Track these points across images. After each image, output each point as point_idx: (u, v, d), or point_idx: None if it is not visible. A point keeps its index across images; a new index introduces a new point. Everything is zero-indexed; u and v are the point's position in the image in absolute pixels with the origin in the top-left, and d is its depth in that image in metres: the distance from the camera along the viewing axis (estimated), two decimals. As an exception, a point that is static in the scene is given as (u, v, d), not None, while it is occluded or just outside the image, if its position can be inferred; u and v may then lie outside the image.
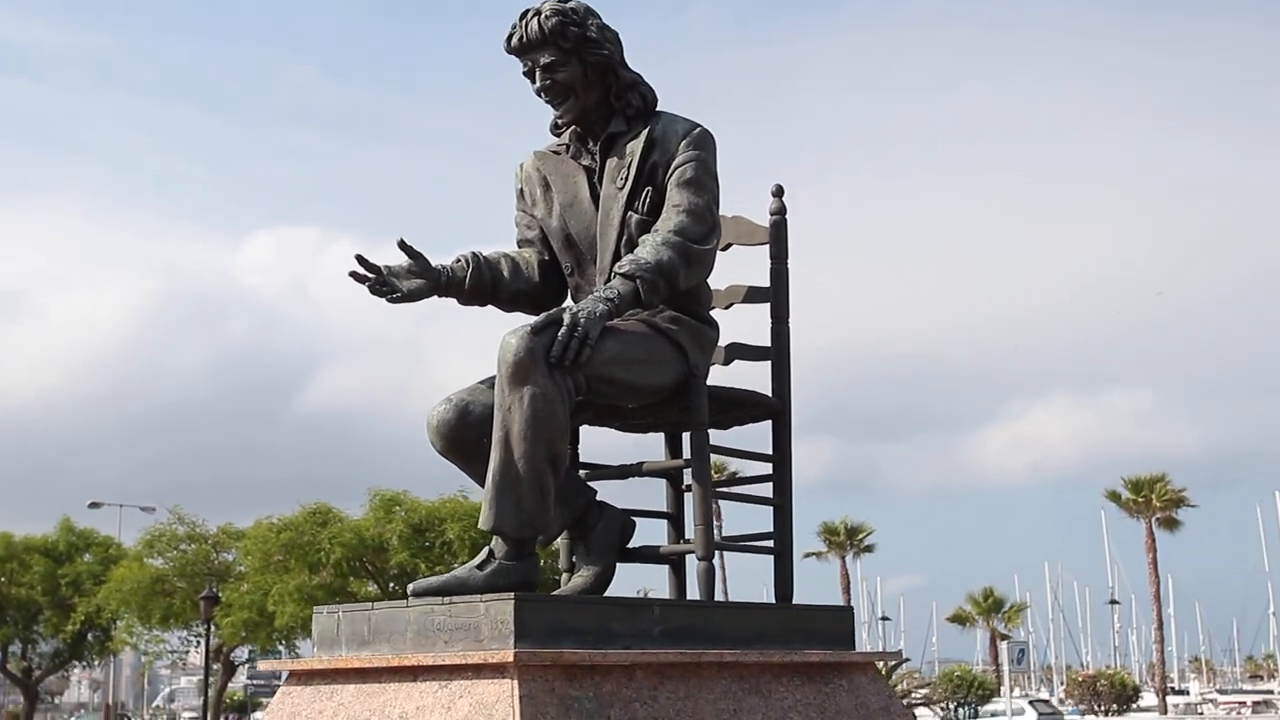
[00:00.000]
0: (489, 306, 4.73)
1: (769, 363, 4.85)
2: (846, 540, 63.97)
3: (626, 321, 4.38)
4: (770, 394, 4.78)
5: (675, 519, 4.97)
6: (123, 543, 43.19)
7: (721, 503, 5.33)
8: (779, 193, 4.95)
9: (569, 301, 4.75)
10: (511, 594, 3.77)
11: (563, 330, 4.08)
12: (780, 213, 4.93)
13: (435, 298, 4.61)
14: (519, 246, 4.79)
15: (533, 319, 4.73)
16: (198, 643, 39.17)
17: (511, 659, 3.60)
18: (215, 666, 38.29)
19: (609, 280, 4.49)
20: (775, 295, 4.88)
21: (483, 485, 4.41)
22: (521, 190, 4.79)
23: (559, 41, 4.49)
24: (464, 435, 4.33)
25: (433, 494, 34.36)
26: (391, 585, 34.26)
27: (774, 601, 4.65)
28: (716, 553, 4.43)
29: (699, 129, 4.55)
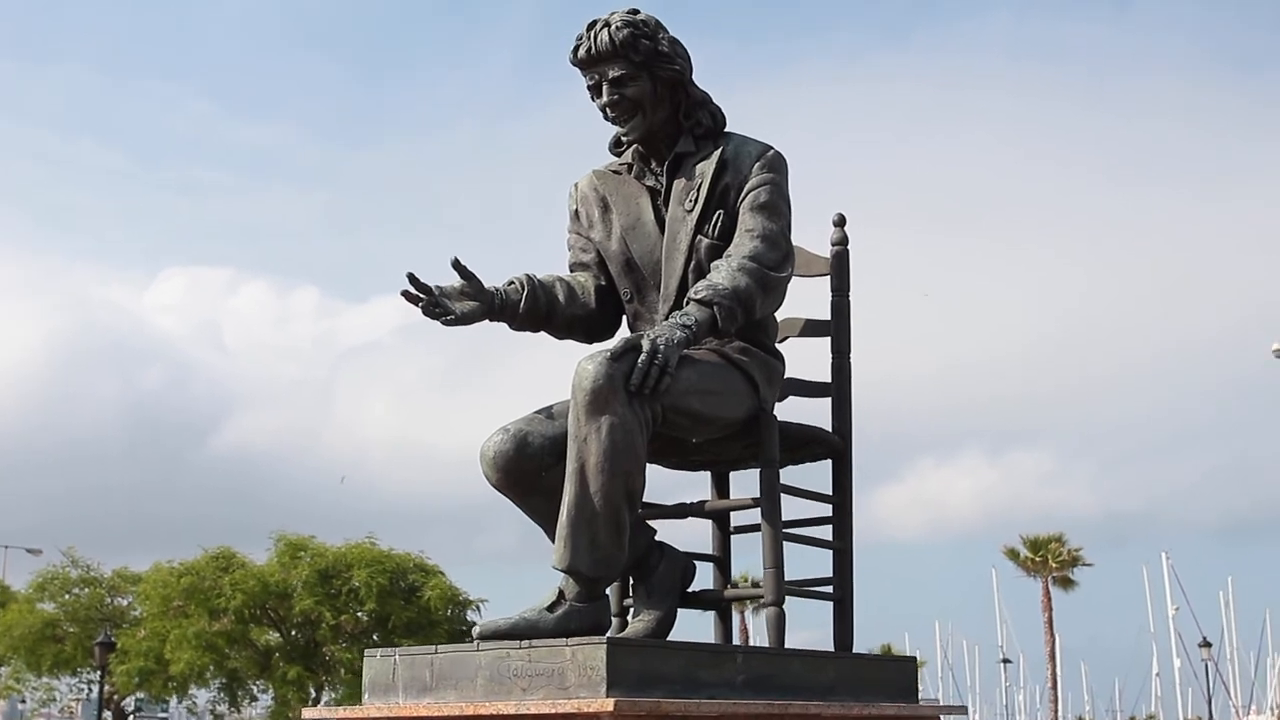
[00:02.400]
0: (541, 333, 4.46)
1: (828, 399, 4.62)
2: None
3: (699, 351, 4.14)
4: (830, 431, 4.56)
5: (721, 561, 4.71)
6: (10, 585, 41.82)
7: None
8: (841, 222, 4.75)
9: (624, 328, 4.50)
10: (603, 638, 3.48)
11: (642, 357, 3.83)
12: (842, 243, 4.73)
13: (487, 321, 4.34)
14: (572, 270, 4.54)
15: (588, 346, 4.50)
16: (88, 691, 37.96)
17: (611, 708, 3.32)
18: (105, 715, 37.09)
19: (674, 306, 4.26)
20: (836, 328, 4.67)
21: (537, 521, 4.16)
22: (577, 211, 4.54)
23: (630, 54, 4.26)
24: (522, 468, 4.05)
25: (339, 539, 33.74)
26: (294, 633, 33.51)
27: (832, 650, 4.40)
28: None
29: (773, 151, 4.33)
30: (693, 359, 4.04)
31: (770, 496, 4.20)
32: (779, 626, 4.13)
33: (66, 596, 36.61)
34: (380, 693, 3.82)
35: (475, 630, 3.80)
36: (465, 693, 3.65)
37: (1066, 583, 58.67)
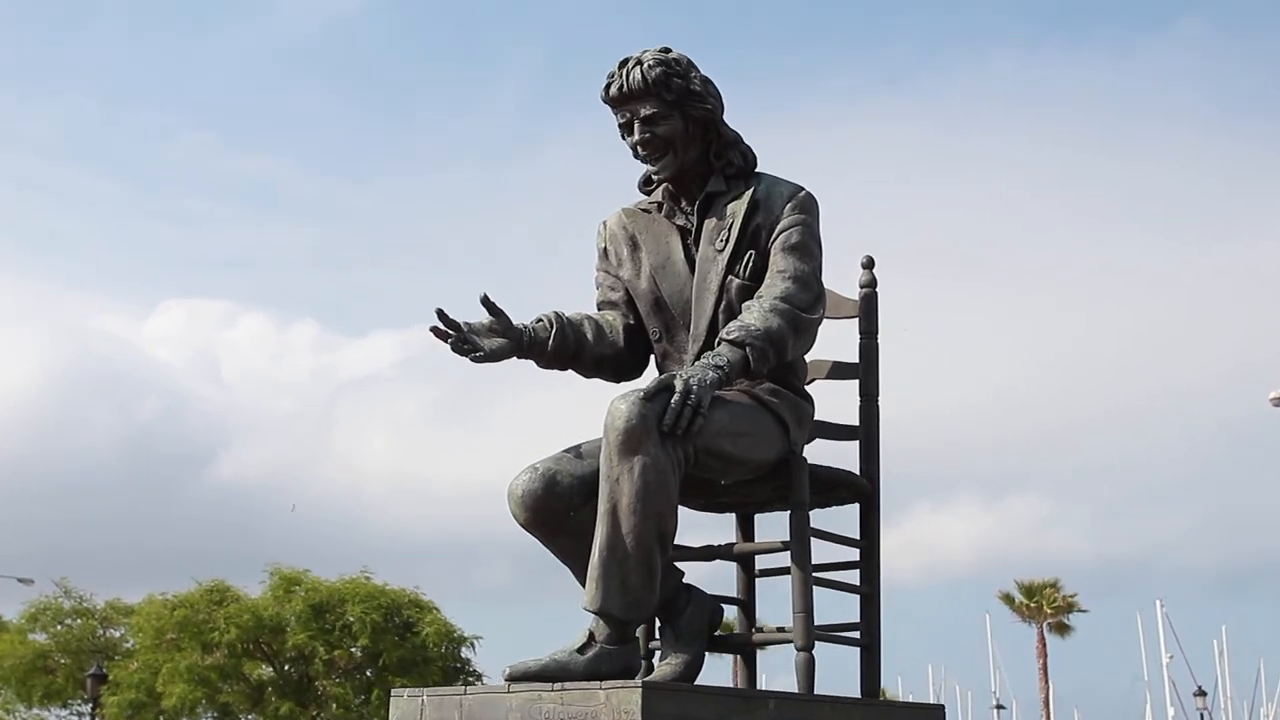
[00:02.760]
0: (569, 371, 4.43)
1: (851, 442, 4.59)
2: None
3: (730, 392, 4.11)
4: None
5: (746, 605, 4.67)
6: (1, 615, 41.63)
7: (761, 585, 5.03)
8: (869, 264, 4.72)
9: (652, 368, 4.48)
10: (637, 682, 3.44)
11: (675, 397, 3.80)
12: (871, 285, 4.70)
13: (515, 358, 4.31)
14: (600, 308, 4.51)
15: (619, 386, 4.47)
16: (79, 723, 37.73)
17: (647, 753, 3.27)
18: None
19: (704, 346, 4.24)
20: (865, 371, 4.64)
21: (565, 561, 4.13)
22: (605, 249, 4.51)
23: (662, 93, 4.24)
24: (551, 507, 4.02)
25: (334, 574, 33.58)
26: (287, 668, 33.31)
27: (859, 696, 4.36)
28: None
29: (804, 192, 4.31)
30: (724, 400, 4.02)
31: (800, 540, 4.16)
32: (809, 672, 4.08)
33: (58, 627, 36.44)
34: (407, 734, 3.77)
35: (505, 672, 3.76)
36: (495, 735, 3.60)
37: (1062, 628, 58.51)
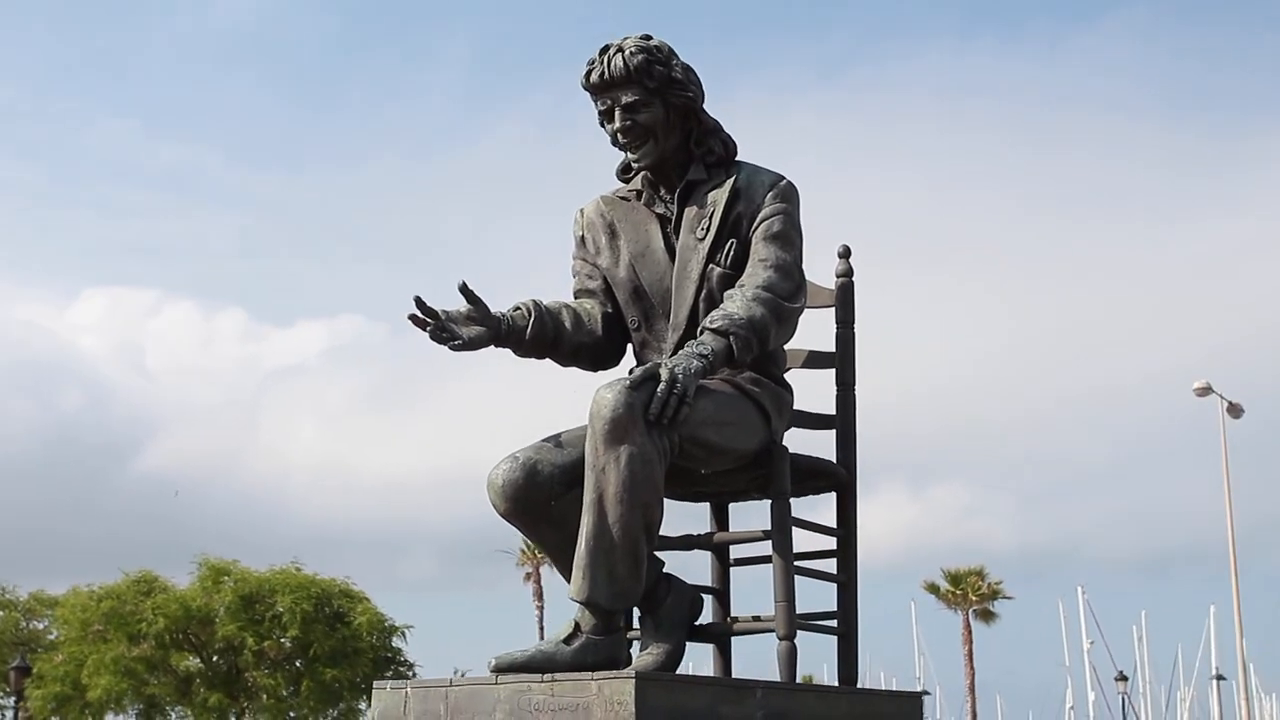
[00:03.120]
0: (546, 360, 4.39)
1: (821, 430, 4.59)
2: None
3: (713, 381, 4.08)
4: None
5: (721, 594, 4.65)
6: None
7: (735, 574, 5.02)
8: (845, 254, 4.72)
9: (630, 357, 4.45)
10: (631, 672, 3.42)
11: (661, 386, 3.78)
12: (847, 275, 4.70)
13: (492, 347, 4.26)
14: (576, 297, 4.47)
15: (596, 376, 4.44)
16: (2, 717, 37.15)
17: (643, 744, 3.25)
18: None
19: (684, 335, 4.22)
20: (841, 361, 4.64)
21: (545, 551, 4.10)
22: (583, 237, 4.48)
23: (644, 80, 4.21)
24: (531, 497, 3.98)
25: (263, 564, 33.33)
26: (215, 659, 33.01)
27: (837, 684, 4.36)
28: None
29: (785, 181, 4.30)
30: (708, 389, 4.00)
31: (782, 529, 4.16)
32: (791, 661, 4.07)
33: (-21, 620, 35.87)
34: (391, 726, 3.72)
35: (490, 663, 3.72)
36: (483, 727, 3.56)
37: (987, 615, 59.12)
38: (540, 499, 3.99)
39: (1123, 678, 59.16)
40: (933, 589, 59.42)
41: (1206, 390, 36.83)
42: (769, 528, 4.29)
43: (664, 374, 3.80)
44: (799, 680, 4.08)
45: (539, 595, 59.84)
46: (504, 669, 3.68)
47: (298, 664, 32.82)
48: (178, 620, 31.79)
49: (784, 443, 4.29)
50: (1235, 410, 37.51)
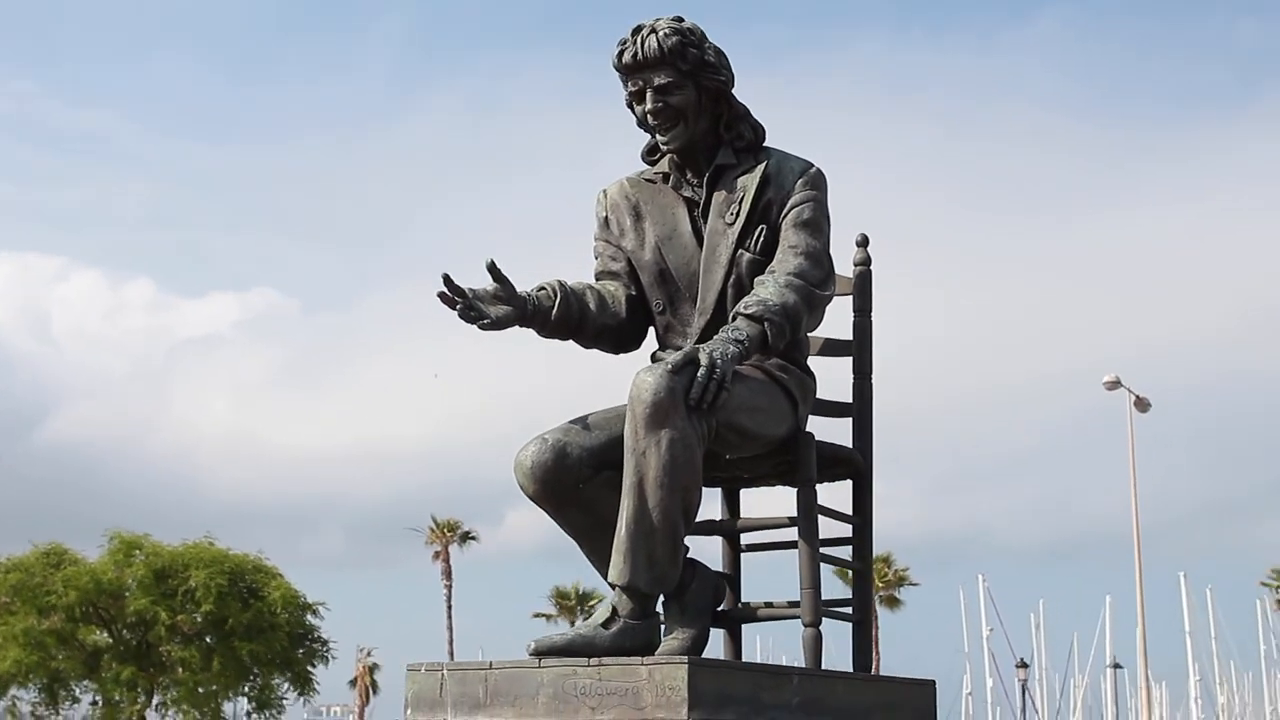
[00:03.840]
0: (569, 341, 4.36)
1: (834, 418, 4.61)
2: (578, 605, 63.82)
3: (744, 367, 4.08)
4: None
5: (732, 580, 4.65)
6: None
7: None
8: (864, 242, 4.73)
9: (650, 340, 4.44)
10: (683, 658, 3.42)
11: (701, 371, 3.77)
12: (865, 263, 4.71)
13: (517, 327, 4.23)
14: (598, 278, 4.44)
15: (616, 356, 4.42)
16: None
17: (698, 730, 3.25)
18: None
19: (711, 320, 4.20)
20: (859, 349, 4.65)
21: (572, 534, 4.09)
22: (606, 218, 4.44)
23: (677, 63, 4.19)
24: (561, 479, 3.96)
25: (176, 538, 32.91)
26: (125, 633, 32.55)
27: (851, 670, 4.38)
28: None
29: (815, 168, 4.30)
30: (741, 375, 3.99)
31: (808, 516, 4.17)
32: (816, 648, 4.09)
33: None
34: (426, 709, 3.69)
35: (530, 647, 3.70)
36: (525, 711, 3.55)
37: (893, 602, 59.91)
38: (569, 482, 3.97)
39: (1023, 665, 60.04)
40: (842, 574, 60.06)
41: (1115, 384, 37.46)
42: (791, 514, 4.31)
43: (703, 359, 3.79)
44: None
45: (447, 574, 59.78)
46: (544, 652, 3.65)
47: (207, 639, 32.43)
48: (88, 594, 31.31)
49: (808, 429, 4.30)
50: (1143, 404, 38.17)
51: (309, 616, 32.89)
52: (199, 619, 31.62)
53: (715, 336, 3.98)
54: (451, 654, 57.70)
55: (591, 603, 64.34)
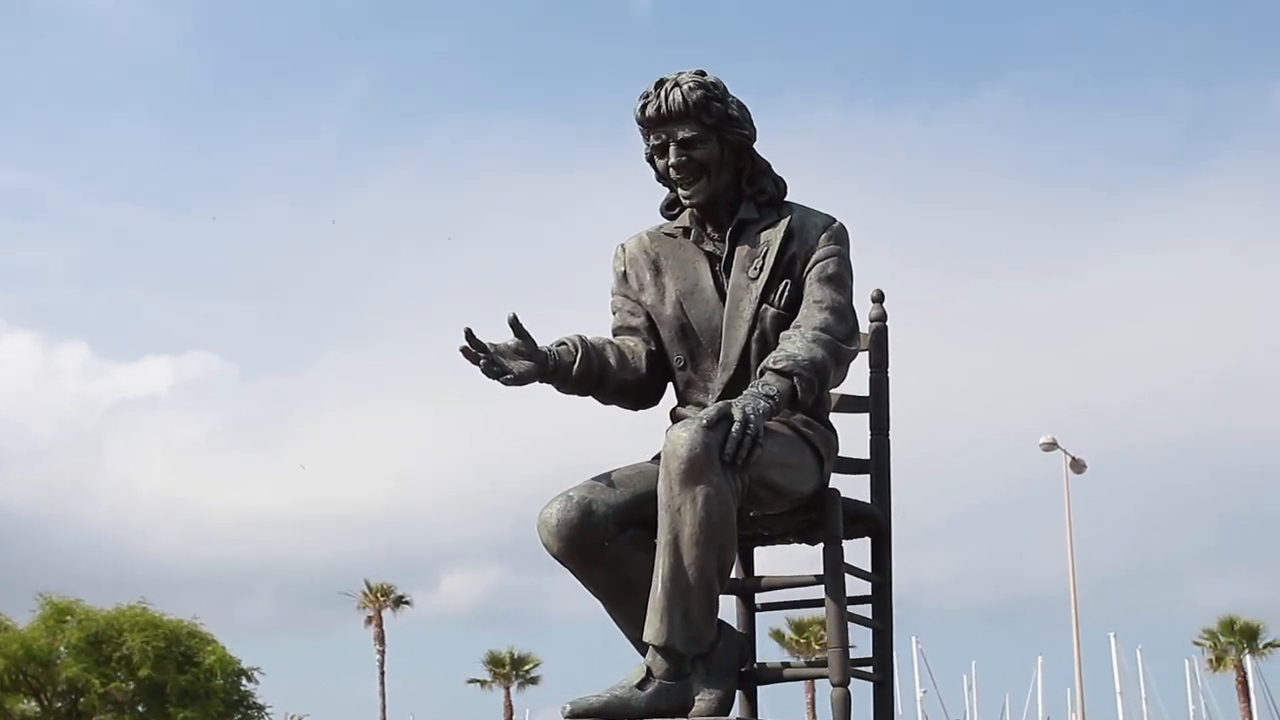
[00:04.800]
0: (588, 398, 4.30)
1: (864, 476, 4.57)
2: (512, 670, 63.20)
3: (772, 422, 4.03)
4: (869, 509, 4.49)
5: (746, 639, 4.58)
6: None
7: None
8: (879, 298, 4.71)
9: (669, 396, 4.39)
10: (727, 719, 3.34)
11: (735, 426, 3.73)
12: (881, 319, 4.69)
13: (538, 382, 4.16)
14: (616, 334, 4.39)
15: (631, 413, 4.36)
16: None
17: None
18: None
19: (734, 376, 4.16)
20: (875, 405, 4.62)
21: (596, 594, 4.04)
22: (625, 273, 4.40)
23: (701, 116, 4.16)
24: (587, 537, 3.90)
25: (110, 603, 32.29)
26: (55, 702, 31.85)
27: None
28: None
29: (837, 223, 4.28)
30: (771, 431, 3.95)
31: (835, 574, 4.12)
32: (845, 708, 4.03)
33: None
34: (458, 773, 3.58)
35: (565, 709, 3.62)
36: (565, 775, 3.45)
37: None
38: (595, 540, 3.91)
39: (955, 725, 60.16)
40: (778, 636, 59.95)
41: (1052, 445, 37.78)
42: (801, 572, 4.26)
43: (736, 414, 3.75)
44: None
45: (380, 640, 59.07)
46: (582, 714, 3.57)
47: (139, 708, 31.83)
48: (17, 661, 30.63)
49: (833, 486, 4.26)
50: (1078, 466, 38.51)
51: (244, 682, 32.39)
52: (132, 686, 31.04)
53: (745, 391, 3.94)
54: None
55: (526, 667, 63.83)
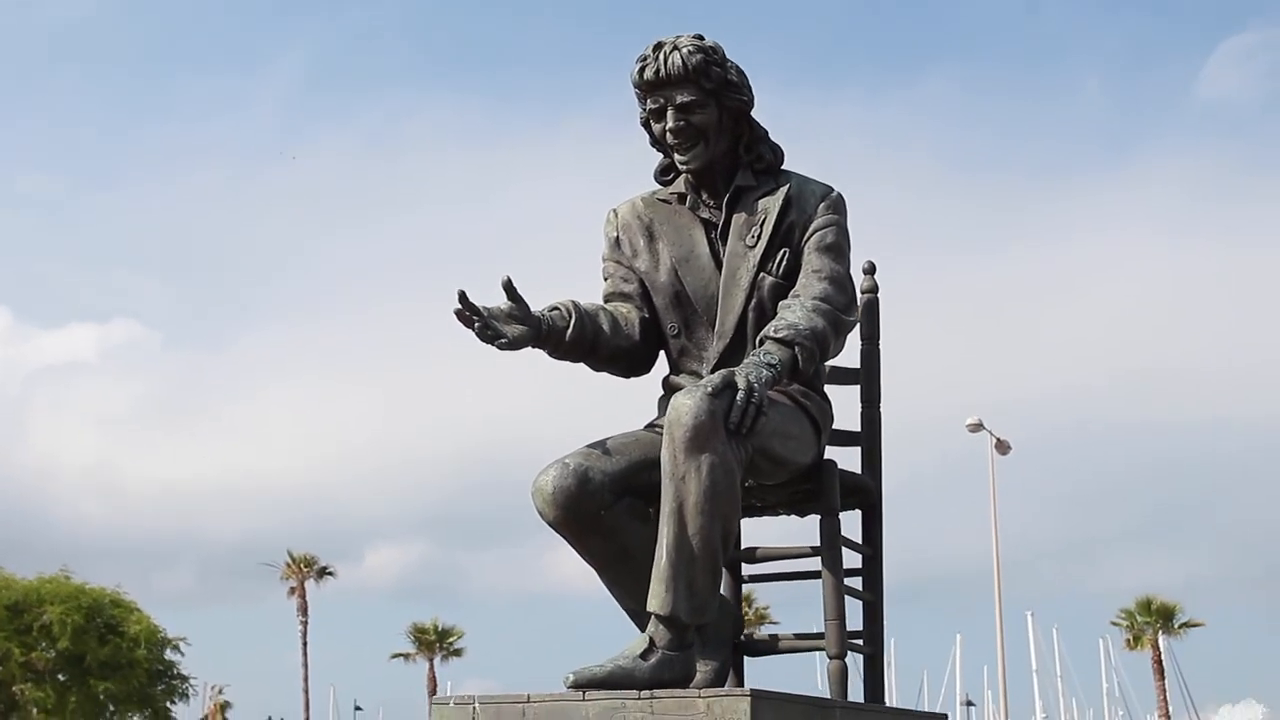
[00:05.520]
0: (580, 364, 4.23)
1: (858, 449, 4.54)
2: (437, 641, 62.97)
3: (772, 392, 3.98)
4: (859, 482, 4.46)
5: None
6: None
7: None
8: (871, 270, 4.67)
9: (661, 363, 4.32)
10: (746, 690, 3.30)
11: (740, 395, 3.67)
12: (873, 290, 4.65)
13: (531, 347, 4.08)
14: (608, 300, 4.31)
15: (624, 380, 4.30)
16: None
17: (769, 765, 3.13)
18: None
19: (730, 344, 4.11)
20: (866, 378, 4.59)
21: (592, 562, 3.97)
22: (618, 239, 4.32)
23: (701, 80, 4.09)
24: (583, 506, 3.83)
25: (31, 572, 31.78)
26: (-25, 672, 31.33)
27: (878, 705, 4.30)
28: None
29: (836, 192, 4.23)
30: (771, 400, 3.89)
31: (832, 546, 4.08)
32: (842, 680, 4.00)
33: None
34: (457, 744, 3.52)
35: (568, 680, 3.54)
36: (570, 746, 3.39)
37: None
38: (592, 508, 3.84)
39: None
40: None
41: (978, 427, 38.16)
42: (787, 543, 4.23)
43: (741, 383, 3.69)
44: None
45: (303, 610, 58.64)
46: (586, 685, 3.50)
47: (60, 677, 31.37)
48: (-65, 629, 30.10)
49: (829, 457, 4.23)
50: (1003, 447, 38.95)
51: (169, 653, 32.02)
52: (52, 655, 30.57)
53: (747, 360, 3.88)
54: (306, 690, 56.64)
55: (450, 640, 63.60)
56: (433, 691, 63.36)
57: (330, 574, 59.87)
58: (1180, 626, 53.06)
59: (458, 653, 64.53)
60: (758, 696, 3.28)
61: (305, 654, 57.01)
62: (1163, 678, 52.50)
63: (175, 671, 32.04)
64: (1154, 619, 52.53)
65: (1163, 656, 52.75)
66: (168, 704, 32.56)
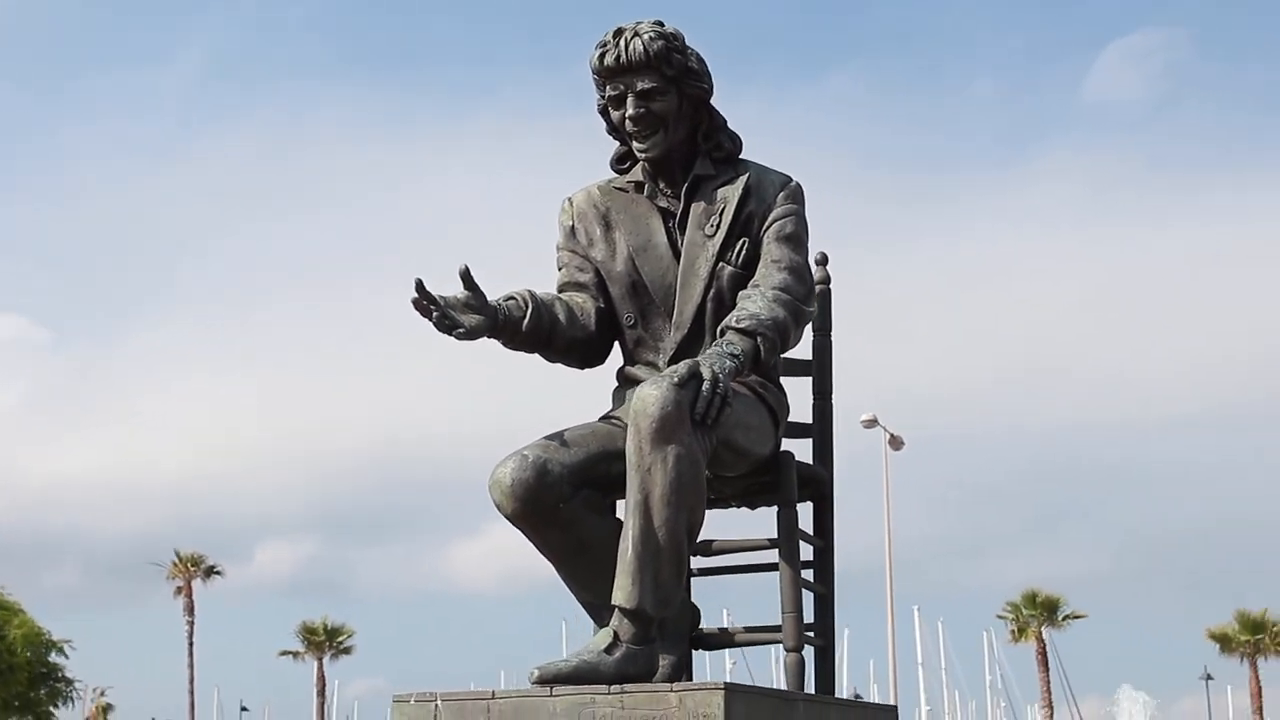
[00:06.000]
0: (535, 355, 4.16)
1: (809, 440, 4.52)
2: (326, 640, 62.30)
3: (733, 383, 3.94)
4: (811, 474, 4.44)
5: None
6: None
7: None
8: (823, 261, 4.65)
9: (615, 355, 4.27)
10: (719, 683, 3.25)
11: (705, 385, 3.62)
12: (825, 281, 4.63)
13: (487, 337, 4.00)
14: (562, 290, 4.24)
15: (579, 371, 4.23)
16: None
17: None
18: None
19: (688, 334, 4.07)
20: (819, 369, 4.57)
21: (549, 556, 3.90)
22: (573, 227, 4.26)
23: (662, 67, 4.04)
24: (541, 498, 3.76)
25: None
26: None
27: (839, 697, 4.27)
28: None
29: (794, 182, 4.20)
30: (734, 391, 3.85)
31: (790, 538, 4.05)
32: (799, 673, 3.97)
33: None
34: (420, 742, 3.43)
35: (533, 675, 3.48)
36: (537, 743, 3.32)
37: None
38: (550, 501, 3.77)
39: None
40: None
41: (873, 422, 38.52)
42: (739, 536, 4.20)
43: (706, 373, 3.65)
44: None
45: (190, 610, 57.74)
46: (552, 680, 3.44)
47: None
48: None
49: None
50: (896, 443, 39.35)
51: (54, 655, 31.25)
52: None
53: (709, 350, 3.83)
54: (192, 691, 55.76)
55: (340, 638, 62.89)
56: (321, 690, 62.75)
57: (218, 573, 59.08)
58: (1064, 619, 54.12)
59: (347, 651, 63.94)
60: (731, 690, 3.24)
61: (191, 654, 56.22)
62: (1047, 669, 53.49)
63: (59, 674, 31.29)
64: (1039, 612, 53.49)
65: (1047, 648, 53.76)
66: (50, 708, 31.78)
